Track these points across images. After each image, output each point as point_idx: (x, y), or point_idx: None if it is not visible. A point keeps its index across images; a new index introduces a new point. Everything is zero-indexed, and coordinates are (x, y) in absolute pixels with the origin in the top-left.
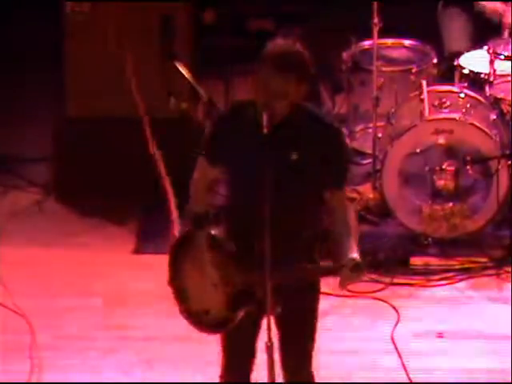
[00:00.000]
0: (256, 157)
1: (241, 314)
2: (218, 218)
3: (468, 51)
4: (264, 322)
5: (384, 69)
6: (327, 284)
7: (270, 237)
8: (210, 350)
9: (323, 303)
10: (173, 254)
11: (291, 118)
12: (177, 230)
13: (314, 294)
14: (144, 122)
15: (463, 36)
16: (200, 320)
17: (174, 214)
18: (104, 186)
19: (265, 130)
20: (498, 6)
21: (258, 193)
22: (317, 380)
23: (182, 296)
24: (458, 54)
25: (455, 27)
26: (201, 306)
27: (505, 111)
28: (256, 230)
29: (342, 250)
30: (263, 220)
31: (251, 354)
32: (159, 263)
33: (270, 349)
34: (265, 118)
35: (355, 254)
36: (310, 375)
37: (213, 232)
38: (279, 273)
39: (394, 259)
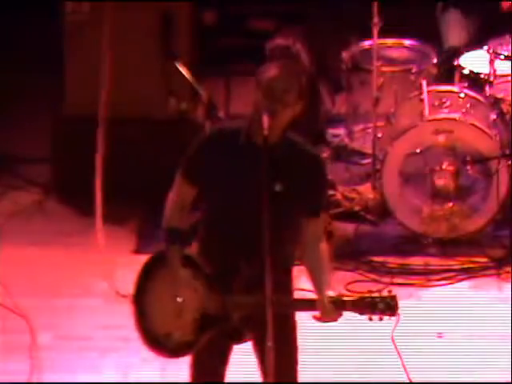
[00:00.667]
0: (238, 181)
1: (204, 338)
2: (192, 237)
3: (466, 48)
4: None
5: (384, 69)
6: None
7: (249, 260)
8: None
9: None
10: (143, 271)
11: (278, 148)
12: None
13: (290, 323)
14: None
15: (462, 33)
16: (159, 343)
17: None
18: (104, 186)
19: (265, 132)
20: None
21: (235, 216)
22: (315, 380)
23: (142, 316)
24: (457, 50)
25: (454, 25)
26: (162, 328)
27: (505, 111)
28: (231, 252)
29: (315, 285)
30: (243, 241)
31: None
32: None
33: (269, 350)
34: (264, 130)
35: (330, 292)
36: None
37: (187, 251)
38: (255, 298)
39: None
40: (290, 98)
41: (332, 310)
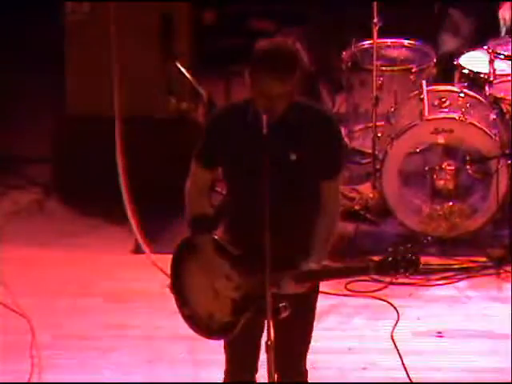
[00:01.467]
0: (254, 156)
1: (245, 317)
2: (217, 220)
3: (462, 51)
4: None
5: (384, 68)
6: (327, 283)
7: (273, 235)
8: (210, 349)
9: (323, 302)
10: (174, 261)
11: (287, 116)
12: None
13: (314, 293)
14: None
15: (458, 37)
16: (204, 325)
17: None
18: (104, 186)
19: (264, 131)
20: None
21: (257, 192)
22: (316, 379)
23: (184, 302)
24: (451, 54)
25: (451, 29)
26: (204, 310)
27: (504, 111)
28: (259, 230)
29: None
30: (264, 218)
31: (255, 356)
32: (159, 262)
33: (270, 348)
34: (264, 119)
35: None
36: (304, 374)
37: (215, 236)
38: (282, 272)
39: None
40: (285, 81)
41: (293, 284)
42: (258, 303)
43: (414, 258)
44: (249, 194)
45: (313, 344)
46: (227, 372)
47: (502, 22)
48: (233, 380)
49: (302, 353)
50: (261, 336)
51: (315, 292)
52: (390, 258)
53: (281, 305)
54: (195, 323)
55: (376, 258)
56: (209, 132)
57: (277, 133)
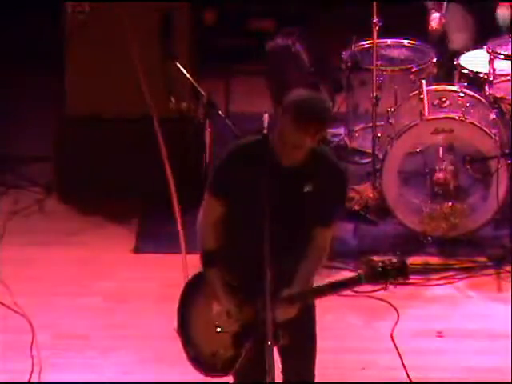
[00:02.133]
0: (272, 193)
1: (246, 349)
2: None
3: (468, 50)
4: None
5: (383, 68)
6: (325, 282)
7: (277, 268)
8: None
9: (323, 302)
10: (182, 299)
11: (303, 163)
12: (180, 226)
13: (310, 313)
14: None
15: (464, 35)
16: (209, 364)
17: (177, 211)
18: (104, 186)
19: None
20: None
21: (260, 227)
22: (316, 379)
23: (188, 342)
24: (458, 53)
25: (457, 27)
26: (208, 349)
27: (504, 110)
28: (261, 262)
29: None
30: (270, 253)
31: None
32: (159, 262)
33: (269, 349)
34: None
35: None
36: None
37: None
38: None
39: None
40: (322, 132)
41: (288, 309)
42: (255, 332)
43: (403, 266)
44: (255, 225)
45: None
46: None
47: (500, 21)
48: None
49: (312, 365)
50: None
51: (310, 311)
52: (380, 268)
53: (280, 332)
54: (200, 363)
55: (376, 258)
56: (223, 167)
57: (289, 177)
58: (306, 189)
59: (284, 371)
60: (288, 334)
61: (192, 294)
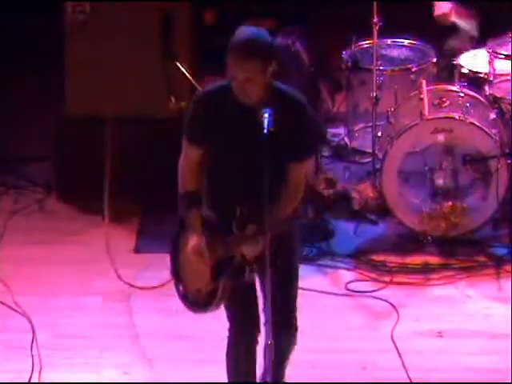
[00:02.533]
0: (236, 133)
1: (223, 282)
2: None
3: (467, 49)
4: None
5: (383, 68)
6: (328, 284)
7: (250, 202)
8: (209, 348)
9: (323, 302)
10: (172, 241)
11: (266, 98)
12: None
13: (292, 244)
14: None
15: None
16: (195, 300)
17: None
18: (102, 187)
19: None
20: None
21: (235, 164)
22: (316, 379)
23: (179, 280)
24: (456, 51)
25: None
26: (193, 286)
27: (504, 110)
28: (232, 198)
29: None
30: (239, 187)
31: (255, 317)
32: (159, 262)
33: (270, 347)
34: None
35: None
36: (295, 328)
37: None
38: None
39: None
40: (251, 66)
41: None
42: (229, 266)
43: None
44: (227, 165)
45: (313, 344)
46: (232, 331)
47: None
48: (238, 335)
49: (291, 298)
50: (254, 291)
51: (291, 239)
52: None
53: (247, 268)
54: (188, 300)
55: (376, 258)
56: (193, 114)
57: (256, 112)
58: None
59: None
60: (258, 270)
61: (180, 236)
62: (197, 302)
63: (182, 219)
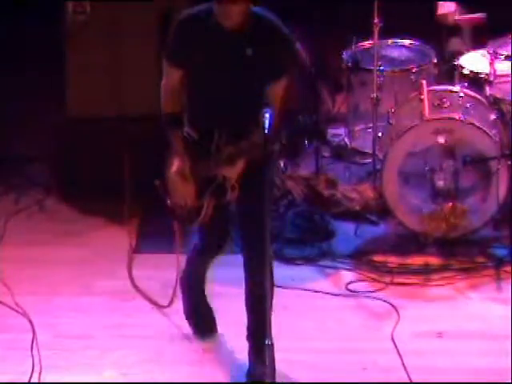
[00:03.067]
0: (217, 55)
1: (207, 200)
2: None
3: (468, 50)
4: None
5: (384, 69)
6: (328, 285)
7: (228, 122)
8: (209, 349)
9: (323, 302)
10: (159, 158)
11: (244, 23)
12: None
13: (267, 166)
14: None
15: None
16: (181, 213)
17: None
18: (104, 186)
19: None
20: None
21: (218, 85)
22: (315, 380)
23: (167, 196)
24: (456, 54)
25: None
26: (180, 200)
27: (505, 111)
28: (216, 119)
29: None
30: (220, 105)
31: (227, 231)
32: (159, 262)
33: (270, 348)
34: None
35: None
36: (269, 255)
37: (184, 131)
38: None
39: None
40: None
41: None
42: (212, 185)
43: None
44: (208, 86)
45: (313, 344)
46: (200, 243)
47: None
48: (204, 247)
49: (265, 213)
50: (227, 213)
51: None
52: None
53: (229, 186)
54: (176, 214)
55: (376, 258)
56: (175, 35)
57: (235, 36)
58: (249, 51)
59: (242, 217)
60: (238, 190)
61: (167, 155)
62: (183, 217)
63: (167, 140)
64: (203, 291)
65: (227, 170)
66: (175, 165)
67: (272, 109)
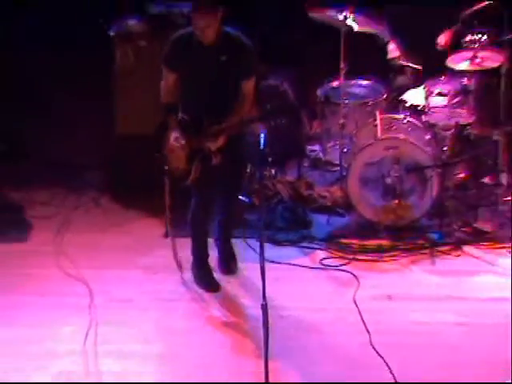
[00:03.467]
0: (199, 63)
1: (196, 165)
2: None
3: (409, 88)
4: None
5: (348, 102)
6: (307, 260)
7: (211, 110)
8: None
9: (303, 274)
10: (158, 135)
11: (219, 39)
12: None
13: (240, 143)
14: None
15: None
16: (176, 175)
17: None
18: (144, 188)
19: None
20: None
21: (202, 84)
22: (298, 330)
23: (165, 163)
24: (402, 89)
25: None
26: (174, 164)
27: (436, 133)
28: (202, 110)
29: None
30: (204, 100)
31: (213, 191)
32: (181, 244)
33: (264, 308)
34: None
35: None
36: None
37: (179, 116)
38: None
39: None
40: (208, 17)
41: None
42: (200, 154)
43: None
44: (195, 85)
45: (295, 304)
46: (197, 199)
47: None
48: (201, 200)
49: (240, 170)
50: (215, 177)
51: (242, 138)
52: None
53: (213, 156)
54: (172, 176)
55: (342, 241)
56: (170, 48)
57: (211, 48)
58: (223, 58)
59: (223, 174)
60: (220, 157)
61: (165, 129)
62: (176, 177)
63: (164, 123)
64: (206, 241)
65: (212, 144)
66: (172, 136)
67: (244, 99)
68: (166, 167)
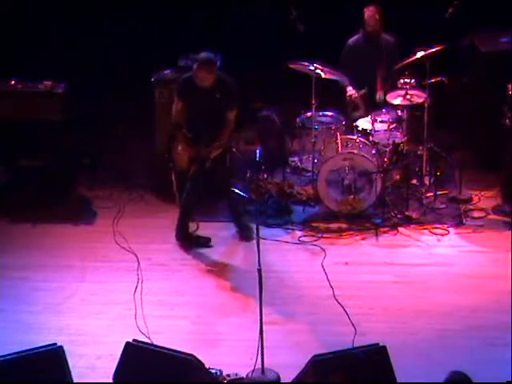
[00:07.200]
0: (200, 99)
1: (194, 166)
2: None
3: (361, 116)
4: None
5: (317, 127)
6: (289, 237)
7: (206, 132)
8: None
9: (284, 247)
10: (168, 144)
11: (214, 84)
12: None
13: (226, 155)
14: None
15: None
16: (180, 171)
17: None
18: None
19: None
20: (352, 92)
21: (201, 113)
22: (281, 288)
23: (172, 162)
24: (356, 118)
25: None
26: (181, 164)
27: (379, 149)
28: (201, 129)
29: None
30: (203, 125)
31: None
32: (204, 226)
33: (259, 271)
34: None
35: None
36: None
37: (184, 131)
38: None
39: None
40: (209, 74)
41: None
42: (198, 159)
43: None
44: (196, 113)
45: (278, 269)
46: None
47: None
48: (192, 197)
49: (229, 181)
50: (204, 172)
51: (226, 152)
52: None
53: (207, 162)
54: (178, 172)
55: (314, 224)
56: (182, 84)
57: (209, 89)
58: (217, 95)
59: (212, 177)
60: (211, 163)
61: (173, 141)
62: (181, 173)
63: (173, 135)
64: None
65: (207, 154)
66: (180, 146)
67: (227, 126)
68: (171, 164)
